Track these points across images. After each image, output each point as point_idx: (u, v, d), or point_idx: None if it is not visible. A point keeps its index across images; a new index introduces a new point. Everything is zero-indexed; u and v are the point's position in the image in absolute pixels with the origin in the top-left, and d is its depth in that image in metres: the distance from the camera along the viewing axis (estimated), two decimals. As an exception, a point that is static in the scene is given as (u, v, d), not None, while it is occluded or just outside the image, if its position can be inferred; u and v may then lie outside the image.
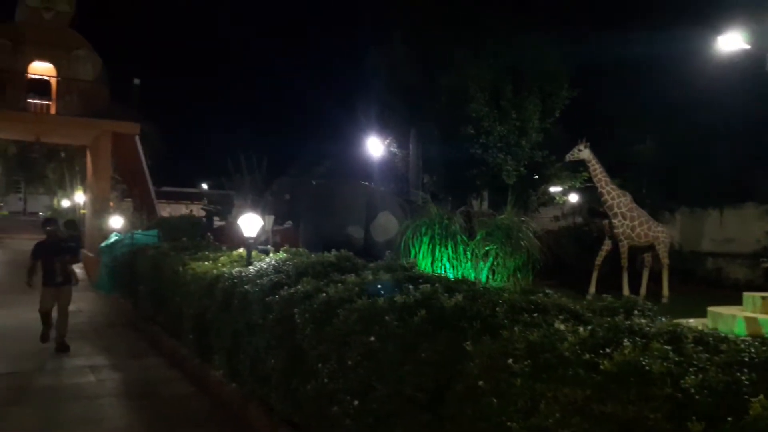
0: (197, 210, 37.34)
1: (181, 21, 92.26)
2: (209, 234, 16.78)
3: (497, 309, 3.25)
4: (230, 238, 13.94)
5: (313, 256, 5.53)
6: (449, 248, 7.38)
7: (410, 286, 3.66)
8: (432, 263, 7.37)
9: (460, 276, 7.16)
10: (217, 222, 28.27)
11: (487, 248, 7.35)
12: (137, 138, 20.57)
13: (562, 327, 2.87)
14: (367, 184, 16.95)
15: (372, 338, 3.21)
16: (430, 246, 7.40)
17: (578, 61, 18.30)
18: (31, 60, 20.41)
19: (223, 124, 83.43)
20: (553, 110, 18.69)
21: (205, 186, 44.73)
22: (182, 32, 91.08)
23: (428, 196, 8.80)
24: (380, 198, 12.55)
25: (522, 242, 7.54)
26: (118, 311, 11.95)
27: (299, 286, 4.47)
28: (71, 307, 8.92)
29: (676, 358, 2.32)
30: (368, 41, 22.21)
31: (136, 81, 20.90)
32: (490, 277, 7.43)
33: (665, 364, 2.24)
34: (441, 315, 3.22)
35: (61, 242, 8.70)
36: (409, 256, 7.50)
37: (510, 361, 2.62)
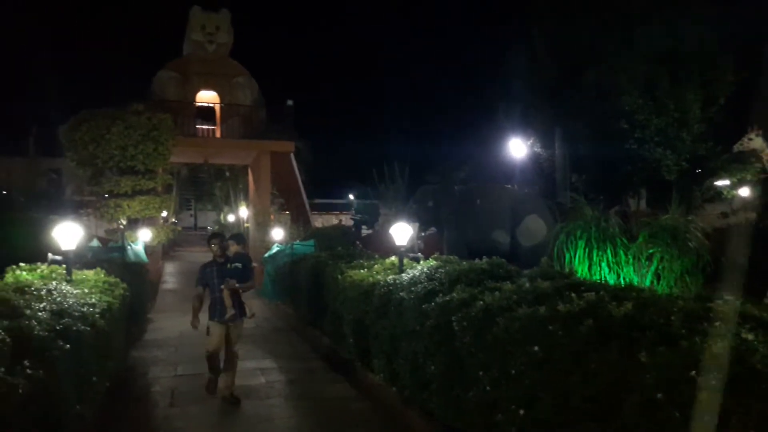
0: (346, 220, 39.01)
1: (323, 37, 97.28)
2: (357, 242, 17.48)
3: (672, 318, 3.04)
4: (378, 246, 14.37)
5: (464, 263, 5.54)
6: (608, 252, 6.99)
7: (573, 294, 3.54)
8: (589, 268, 7.04)
9: (621, 282, 6.78)
10: (365, 230, 29.36)
11: (650, 251, 6.86)
12: (292, 155, 22.00)
13: (750, 337, 2.63)
14: (511, 186, 16.64)
15: (536, 348, 3.15)
16: (586, 250, 7.07)
17: (745, 40, 16.52)
18: (198, 89, 22.68)
19: (367, 135, 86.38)
20: (716, 98, 17.05)
21: (351, 196, 46.60)
22: (325, 48, 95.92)
23: (581, 197, 8.38)
24: (526, 201, 12.24)
25: (690, 243, 6.94)
26: (280, 316, 12.78)
27: (454, 294, 4.51)
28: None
29: None
30: (507, 40, 21.81)
31: (290, 102, 22.40)
32: (655, 282, 6.93)
33: None
34: (610, 324, 3.08)
35: (229, 262, 6.64)
36: (563, 262, 7.22)
37: (692, 373, 2.45)
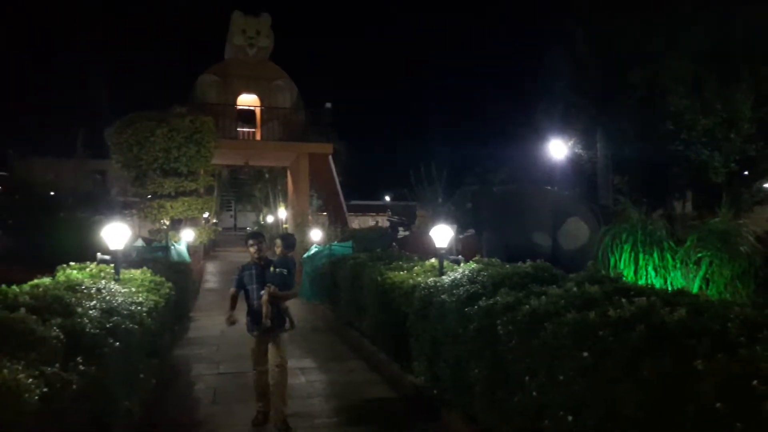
0: (382, 221, 39.07)
1: (362, 38, 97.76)
2: (394, 244, 17.48)
3: (729, 324, 2.94)
4: (415, 248, 14.33)
5: (507, 266, 5.48)
6: (655, 256, 6.82)
7: (623, 299, 3.46)
8: (635, 272, 6.88)
9: (668, 286, 6.60)
10: (401, 232, 29.35)
11: (699, 255, 6.67)
12: (330, 157, 22.15)
13: (817, 346, 2.52)
14: (552, 188, 16.39)
15: (585, 354, 3.08)
16: (632, 254, 6.91)
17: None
18: (239, 92, 23.04)
19: (403, 136, 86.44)
20: (767, 97, 16.46)
21: (387, 198, 46.69)
22: (363, 49, 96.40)
23: (627, 199, 8.21)
24: (568, 203, 12.02)
25: (741, 247, 6.72)
26: (319, 316, 12.86)
27: (498, 298, 4.46)
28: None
29: None
30: (548, 40, 21.51)
31: (328, 104, 22.57)
32: (703, 287, 6.72)
33: None
34: (663, 330, 3.00)
35: (272, 265, 5.84)
36: (608, 265, 7.08)
37: (755, 382, 2.36)
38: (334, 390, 7.27)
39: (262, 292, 5.66)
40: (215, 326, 11.51)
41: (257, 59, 23.19)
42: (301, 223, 20.08)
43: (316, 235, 16.77)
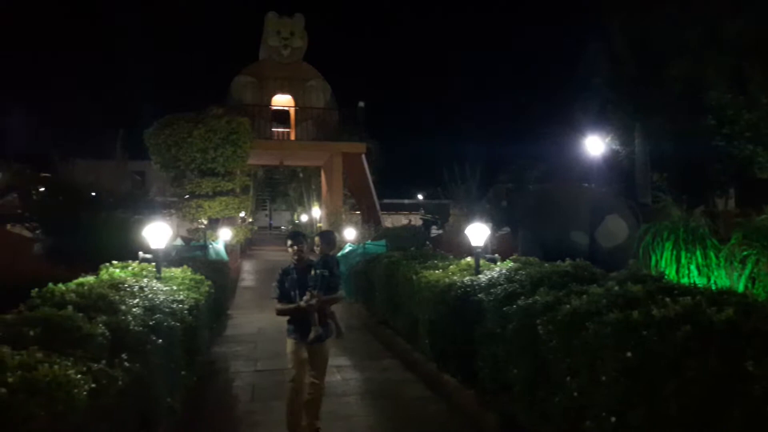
0: (415, 220, 39.02)
1: (394, 37, 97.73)
2: (428, 242, 17.43)
3: (780, 325, 2.85)
4: (449, 246, 14.26)
5: (546, 265, 5.41)
6: (698, 254, 6.64)
7: (667, 299, 3.38)
8: (677, 271, 6.70)
9: (712, 286, 6.42)
10: (434, 231, 29.26)
11: (744, 253, 6.45)
12: (363, 156, 22.23)
13: None
14: (589, 185, 16.12)
15: (629, 354, 3.02)
16: (674, 252, 6.73)
17: None
18: (274, 93, 23.30)
19: (436, 134, 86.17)
20: (815, 89, 15.89)
21: (420, 196, 46.61)
22: (395, 47, 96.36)
23: (669, 197, 8.00)
24: (606, 200, 11.79)
25: (790, 246, 6.47)
26: (353, 315, 12.91)
27: (537, 297, 4.41)
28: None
29: None
30: (584, 34, 21.16)
31: (361, 104, 22.67)
32: (749, 286, 6.51)
33: None
34: (709, 331, 2.93)
35: (313, 267, 5.31)
36: (649, 264, 6.92)
37: (809, 387, 2.28)
38: (370, 388, 7.29)
39: (305, 297, 5.13)
40: (252, 324, 11.69)
41: (291, 60, 23.42)
42: (335, 221, 20.20)
43: (349, 233, 16.86)
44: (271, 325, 11.72)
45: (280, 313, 5.33)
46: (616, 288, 3.86)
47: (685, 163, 17.78)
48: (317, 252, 5.43)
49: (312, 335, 5.12)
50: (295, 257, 5.34)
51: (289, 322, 5.32)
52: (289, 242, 5.40)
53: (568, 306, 3.84)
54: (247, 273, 20.86)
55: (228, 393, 7.22)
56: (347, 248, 15.52)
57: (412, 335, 8.20)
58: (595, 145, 22.34)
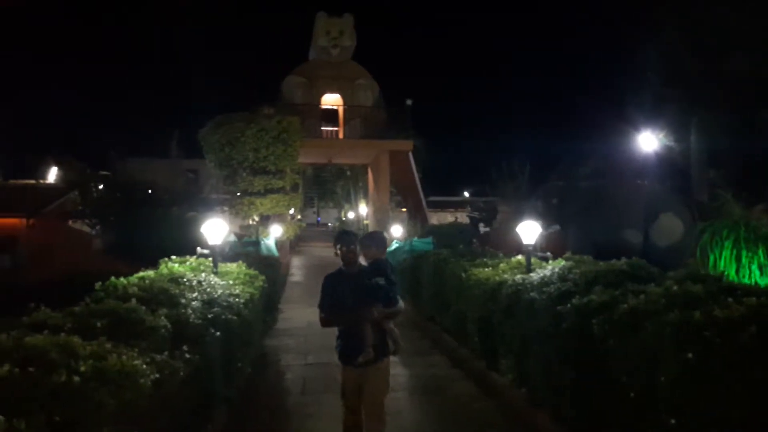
0: (462, 217, 38.75)
1: (442, 34, 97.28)
2: (474, 240, 17.29)
3: None
4: (497, 244, 14.11)
5: (601, 263, 5.31)
6: (760, 254, 6.40)
7: (730, 299, 3.29)
8: (737, 271, 6.49)
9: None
10: (482, 228, 28.99)
11: (811, 253, 6.21)
12: (410, 153, 22.24)
13: None
14: (643, 182, 15.66)
15: (689, 355, 2.96)
16: (734, 251, 6.52)
17: None
18: (323, 92, 23.56)
19: (485, 131, 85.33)
20: None
21: (467, 194, 46.24)
22: (443, 45, 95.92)
23: (728, 193, 7.74)
24: (661, 198, 11.46)
25: None
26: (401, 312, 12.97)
27: (592, 296, 4.34)
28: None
29: None
30: (638, 29, 20.53)
31: (409, 102, 22.65)
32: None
33: None
34: (776, 332, 2.83)
35: (365, 274, 4.42)
36: (707, 263, 6.72)
37: None
38: (418, 384, 7.31)
39: (361, 313, 4.19)
40: (302, 318, 11.87)
41: (340, 59, 23.62)
42: (382, 218, 20.29)
43: (396, 231, 16.91)
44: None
45: (327, 323, 4.41)
46: (675, 288, 3.77)
47: (744, 158, 17.10)
48: (365, 256, 4.50)
49: (361, 358, 4.15)
50: (346, 261, 4.39)
51: (338, 340, 4.41)
52: (340, 244, 4.38)
53: (625, 305, 3.77)
54: (296, 269, 21.22)
55: (280, 385, 7.38)
56: (394, 245, 15.59)
57: (460, 332, 8.18)
58: (648, 142, 21.71)
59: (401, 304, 4.48)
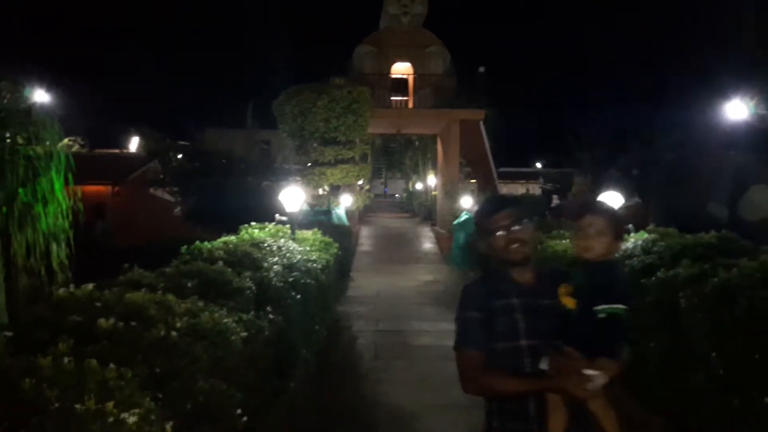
0: (533, 189, 37.94)
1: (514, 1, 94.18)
2: (547, 212, 16.90)
3: None
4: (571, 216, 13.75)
5: (688, 236, 5.09)
6: None
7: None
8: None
9: None
10: (555, 200, 28.29)
11: None
12: (481, 123, 21.83)
13: None
14: (732, 153, 14.81)
15: (788, 331, 2.82)
16: (836, 227, 6.10)
17: None
18: (394, 61, 23.37)
19: (560, 100, 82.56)
20: None
21: (539, 165, 45.10)
22: (516, 11, 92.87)
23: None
24: (751, 169, 10.84)
25: None
26: (471, 284, 12.94)
27: (679, 269, 4.18)
28: (428, 276, 7.85)
29: None
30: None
31: (481, 69, 22.15)
32: None
33: None
34: None
35: (556, 280, 2.13)
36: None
37: None
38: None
39: (544, 365, 2.09)
40: (371, 286, 12.10)
41: (411, 27, 23.30)
42: (451, 189, 20.13)
43: (466, 202, 16.79)
44: (388, 288, 12.07)
45: (485, 389, 2.20)
46: (773, 263, 3.58)
47: None
48: (581, 248, 2.21)
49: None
50: (508, 258, 2.24)
51: (493, 402, 2.24)
52: (499, 216, 2.23)
53: (715, 279, 3.62)
54: (365, 238, 21.46)
55: (353, 350, 7.58)
56: (463, 216, 15.49)
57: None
58: (737, 110, 20.37)
59: (626, 352, 2.18)
